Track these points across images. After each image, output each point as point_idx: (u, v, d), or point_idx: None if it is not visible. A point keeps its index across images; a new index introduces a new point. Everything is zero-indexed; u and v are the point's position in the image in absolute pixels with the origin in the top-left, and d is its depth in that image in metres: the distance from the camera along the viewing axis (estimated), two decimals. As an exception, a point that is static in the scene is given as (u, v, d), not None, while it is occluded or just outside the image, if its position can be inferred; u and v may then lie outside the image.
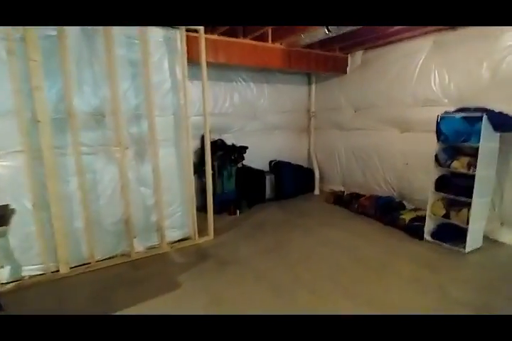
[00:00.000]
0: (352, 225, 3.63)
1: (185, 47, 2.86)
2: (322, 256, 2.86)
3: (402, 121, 3.84)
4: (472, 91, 3.16)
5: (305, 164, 5.27)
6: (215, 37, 3.42)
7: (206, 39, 3.05)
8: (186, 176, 3.14)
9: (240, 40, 3.63)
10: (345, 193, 4.45)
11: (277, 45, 3.88)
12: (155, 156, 2.87)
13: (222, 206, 4.07)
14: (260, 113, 4.88)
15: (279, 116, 5.07)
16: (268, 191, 4.60)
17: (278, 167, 4.77)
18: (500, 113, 2.74)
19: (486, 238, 3.00)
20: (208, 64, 3.40)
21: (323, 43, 3.97)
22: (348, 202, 4.18)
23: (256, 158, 4.74)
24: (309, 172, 5.04)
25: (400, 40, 3.76)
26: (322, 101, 5.06)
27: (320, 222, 3.77)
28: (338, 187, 4.82)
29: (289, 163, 4.90)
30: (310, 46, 4.04)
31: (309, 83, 5.22)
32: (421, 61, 3.61)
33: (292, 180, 4.76)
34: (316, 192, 5.01)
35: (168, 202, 3.07)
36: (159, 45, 2.80)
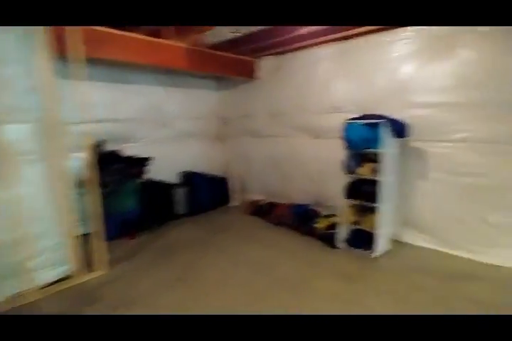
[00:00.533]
0: (269, 238, 3.42)
1: (46, 35, 2.23)
2: (237, 280, 2.54)
3: (313, 127, 3.84)
4: (372, 99, 3.28)
5: (222, 174, 4.94)
6: (96, 27, 2.83)
7: (84, 29, 2.48)
8: (63, 199, 2.47)
9: (133, 34, 3.11)
10: (263, 203, 4.27)
11: (180, 43, 3.48)
12: (9, 176, 2.15)
13: (123, 229, 3.44)
14: (169, 119, 4.39)
15: (191, 123, 4.66)
16: (180, 206, 4.12)
17: (191, 178, 4.33)
18: (395, 120, 2.86)
19: (392, 239, 3.11)
20: (95, 61, 2.83)
21: (232, 45, 3.73)
22: (266, 212, 3.99)
23: (166, 170, 4.23)
24: (226, 182, 4.73)
25: (307, 46, 3.76)
26: (235, 108, 4.83)
27: (237, 237, 3.46)
28: (258, 197, 4.62)
29: (204, 174, 4.51)
30: (218, 48, 3.78)
31: (221, 88, 4.95)
32: (326, 68, 3.66)
33: (208, 192, 4.37)
34: (234, 203, 4.72)
35: (37, 235, 2.35)
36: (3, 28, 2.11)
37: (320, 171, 3.75)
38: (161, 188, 3.94)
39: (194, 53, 3.59)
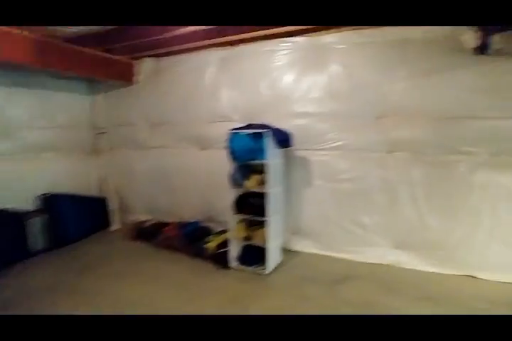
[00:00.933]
0: (153, 268, 2.91)
1: None
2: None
3: (201, 137, 3.56)
4: (257, 108, 3.23)
5: (98, 194, 4.15)
6: None
7: None
8: None
9: None
10: (149, 224, 3.73)
11: (22, 31, 2.72)
12: None
13: None
14: (16, 129, 3.42)
15: (51, 133, 3.76)
16: (37, 239, 3.21)
17: (53, 203, 3.45)
18: (279, 129, 2.83)
19: (284, 249, 3.05)
20: None
21: (99, 41, 3.17)
22: (153, 234, 3.47)
23: (15, 195, 3.28)
24: (104, 203, 3.99)
25: (191, 50, 3.49)
26: (113, 116, 4.16)
27: (111, 273, 2.82)
28: (144, 217, 4.03)
29: (72, 196, 3.66)
30: (81, 42, 3.15)
31: (94, 92, 4.21)
32: (213, 74, 3.46)
33: (77, 218, 3.56)
34: (116, 226, 4.01)
35: None
36: None
37: (211, 184, 3.47)
38: (4, 219, 2.98)
39: (45, 46, 2.87)
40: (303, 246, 3.17)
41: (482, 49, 2.47)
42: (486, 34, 2.45)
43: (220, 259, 2.86)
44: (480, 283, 2.53)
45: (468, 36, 2.51)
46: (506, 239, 2.50)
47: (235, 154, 2.73)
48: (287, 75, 3.11)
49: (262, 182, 2.67)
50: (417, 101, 2.61)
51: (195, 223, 3.45)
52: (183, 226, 3.37)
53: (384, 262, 2.84)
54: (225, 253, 2.85)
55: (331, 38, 2.92)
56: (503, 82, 2.42)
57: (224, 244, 2.95)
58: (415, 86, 2.61)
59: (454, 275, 2.64)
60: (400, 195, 2.76)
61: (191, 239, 3.18)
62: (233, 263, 2.83)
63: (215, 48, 3.40)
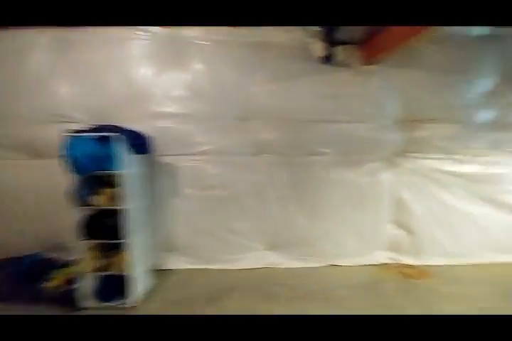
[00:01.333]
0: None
1: None
2: None
3: (30, 143, 2.72)
4: (107, 106, 2.70)
5: None
6: None
7: None
8: None
9: None
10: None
11: None
12: None
13: None
14: None
15: None
16: None
17: None
18: (135, 132, 2.41)
19: (155, 271, 2.65)
20: None
21: None
22: (-37, 281, 2.45)
23: None
24: None
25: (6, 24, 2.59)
26: None
27: None
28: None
29: None
30: None
31: None
32: (40, 61, 2.69)
33: None
34: None
35: None
36: None
37: (52, 203, 2.67)
38: None
39: None
40: (177, 262, 2.84)
41: (328, 59, 2.72)
42: (330, 45, 2.70)
43: (67, 300, 2.22)
44: (341, 270, 2.83)
45: (316, 46, 2.71)
46: (357, 229, 2.85)
47: (77, 164, 2.14)
48: (145, 70, 2.71)
49: (116, 198, 2.19)
50: (276, 104, 2.68)
51: (33, 256, 2.61)
52: (13, 263, 2.49)
53: (260, 266, 2.83)
54: (74, 290, 2.23)
55: (191, 32, 2.68)
56: (344, 90, 2.72)
57: (73, 279, 2.31)
58: (274, 89, 2.67)
59: (321, 266, 2.86)
60: (269, 197, 2.79)
61: (26, 279, 2.37)
62: (87, 301, 2.24)
63: (46, 27, 2.65)
